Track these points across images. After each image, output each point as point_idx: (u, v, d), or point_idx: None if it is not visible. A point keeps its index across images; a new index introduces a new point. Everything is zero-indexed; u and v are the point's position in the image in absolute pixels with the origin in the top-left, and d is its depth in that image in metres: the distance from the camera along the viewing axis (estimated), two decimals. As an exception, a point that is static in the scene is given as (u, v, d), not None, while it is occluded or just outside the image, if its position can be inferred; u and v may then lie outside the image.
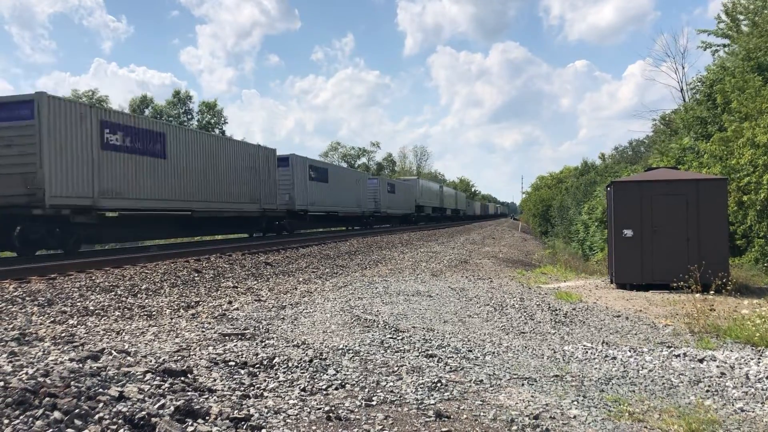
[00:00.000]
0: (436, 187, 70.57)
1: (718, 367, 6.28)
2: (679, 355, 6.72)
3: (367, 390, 4.98)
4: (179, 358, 5.53)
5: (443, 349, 6.55)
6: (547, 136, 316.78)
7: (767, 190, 15.35)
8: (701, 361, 6.50)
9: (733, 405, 5.13)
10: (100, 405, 3.77)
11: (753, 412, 4.96)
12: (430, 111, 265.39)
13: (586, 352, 6.83)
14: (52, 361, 4.81)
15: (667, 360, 6.54)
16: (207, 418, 3.91)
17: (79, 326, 7.03)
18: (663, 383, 5.71)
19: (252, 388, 4.81)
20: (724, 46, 27.09)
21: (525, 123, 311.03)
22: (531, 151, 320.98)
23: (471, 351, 6.57)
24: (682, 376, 5.93)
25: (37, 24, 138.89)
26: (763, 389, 5.56)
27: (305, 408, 4.42)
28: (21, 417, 3.44)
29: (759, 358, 6.61)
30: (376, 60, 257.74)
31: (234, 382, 4.91)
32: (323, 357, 5.90)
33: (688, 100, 30.86)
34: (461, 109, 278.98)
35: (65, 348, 5.53)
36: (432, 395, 4.94)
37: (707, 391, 5.53)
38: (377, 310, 8.82)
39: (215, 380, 4.90)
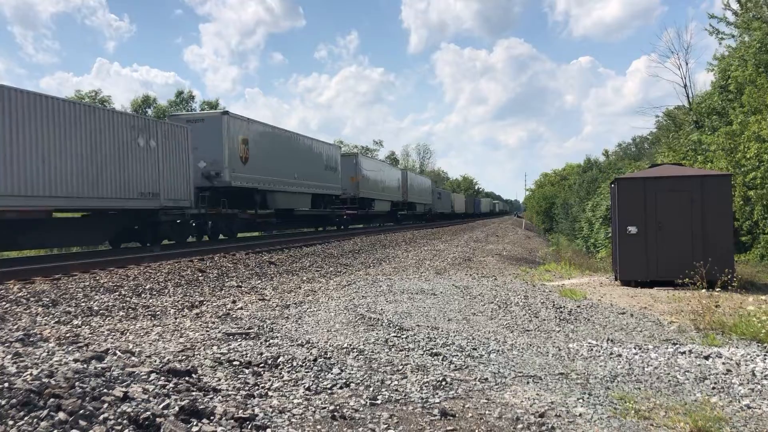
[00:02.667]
0: (330, 155, 34.01)
1: (723, 363, 6.25)
2: (684, 352, 6.69)
3: (371, 389, 4.97)
4: (183, 357, 5.53)
5: (448, 348, 6.54)
6: (552, 132, 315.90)
7: None
8: (707, 358, 6.47)
9: (739, 402, 5.11)
10: (105, 405, 3.77)
11: (759, 409, 4.93)
12: (434, 108, 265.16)
13: (591, 350, 6.81)
14: (56, 361, 4.81)
15: (672, 357, 6.52)
16: (212, 418, 3.91)
17: (83, 326, 7.03)
18: (668, 380, 5.69)
19: (256, 387, 4.81)
20: (732, 35, 26.99)
21: (530, 120, 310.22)
22: (536, 148, 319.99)
23: (476, 349, 6.56)
24: (687, 373, 5.91)
25: (40, 24, 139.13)
26: (769, 386, 5.53)
27: (310, 407, 4.42)
28: (26, 418, 3.44)
29: (765, 355, 6.59)
30: (380, 57, 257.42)
31: (238, 381, 4.90)
32: (328, 356, 5.89)
33: (693, 94, 30.73)
34: (466, 106, 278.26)
35: (70, 348, 5.53)
36: (437, 394, 4.93)
37: (713, 388, 5.50)
38: (381, 309, 8.81)
39: (220, 380, 4.89)
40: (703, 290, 9.77)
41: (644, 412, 4.72)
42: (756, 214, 16.50)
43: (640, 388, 5.42)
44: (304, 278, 12.75)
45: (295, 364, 5.55)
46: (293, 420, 4.14)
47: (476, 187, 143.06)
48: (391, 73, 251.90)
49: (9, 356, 4.96)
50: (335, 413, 4.30)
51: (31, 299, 8.61)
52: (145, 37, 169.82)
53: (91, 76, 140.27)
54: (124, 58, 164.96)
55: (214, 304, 9.04)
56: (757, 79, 18.36)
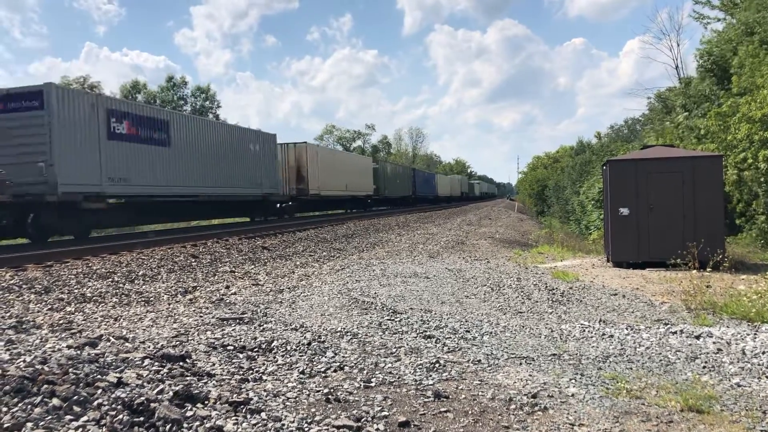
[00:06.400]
0: None
1: (714, 343, 6.31)
2: (675, 332, 6.75)
3: (365, 372, 4.99)
4: (177, 343, 5.54)
5: (441, 330, 6.57)
6: (546, 115, 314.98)
7: (765, 166, 15.32)
8: (698, 337, 6.53)
9: (729, 380, 5.16)
10: (99, 391, 3.77)
11: (749, 387, 4.99)
12: (428, 91, 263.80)
13: (584, 331, 6.85)
14: (49, 348, 4.80)
15: (663, 337, 6.57)
16: (206, 402, 3.92)
17: (76, 313, 7.02)
18: (660, 360, 5.74)
19: (251, 371, 4.82)
20: (718, 19, 27.01)
21: (523, 102, 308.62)
22: (529, 131, 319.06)
23: (469, 331, 6.59)
24: (678, 353, 5.96)
25: (27, 8, 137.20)
26: (759, 364, 5.59)
27: (304, 390, 4.44)
28: (20, 404, 3.44)
29: (755, 334, 6.64)
30: (374, 39, 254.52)
31: (233, 366, 4.91)
32: (321, 340, 5.91)
33: (684, 75, 30.78)
34: (459, 88, 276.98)
35: (63, 335, 5.53)
36: (430, 376, 4.96)
37: (704, 367, 5.55)
38: (375, 293, 8.83)
39: (214, 365, 4.90)
40: (695, 271, 9.83)
41: (636, 391, 4.77)
42: (745, 194, 16.56)
43: (631, 368, 5.47)
44: (298, 263, 12.75)
45: (289, 348, 5.56)
46: (287, 403, 4.16)
47: (469, 170, 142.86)
48: (384, 55, 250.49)
49: (2, 343, 4.95)
50: (329, 396, 4.32)
51: (24, 286, 8.58)
52: (135, 20, 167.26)
53: (80, 62, 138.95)
54: (113, 43, 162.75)
55: (208, 289, 9.04)
56: (759, 53, 18.31)
